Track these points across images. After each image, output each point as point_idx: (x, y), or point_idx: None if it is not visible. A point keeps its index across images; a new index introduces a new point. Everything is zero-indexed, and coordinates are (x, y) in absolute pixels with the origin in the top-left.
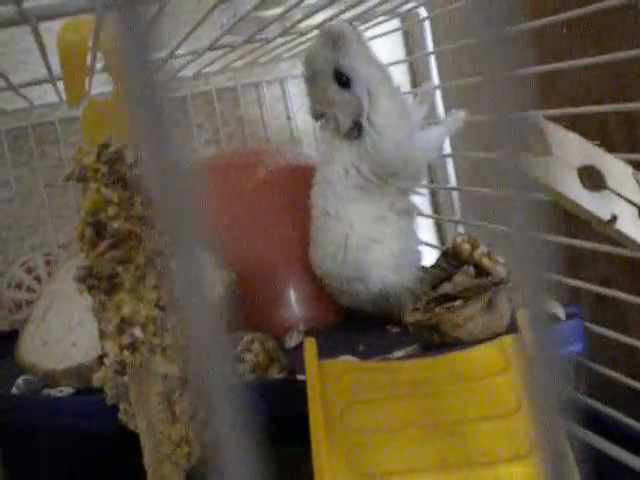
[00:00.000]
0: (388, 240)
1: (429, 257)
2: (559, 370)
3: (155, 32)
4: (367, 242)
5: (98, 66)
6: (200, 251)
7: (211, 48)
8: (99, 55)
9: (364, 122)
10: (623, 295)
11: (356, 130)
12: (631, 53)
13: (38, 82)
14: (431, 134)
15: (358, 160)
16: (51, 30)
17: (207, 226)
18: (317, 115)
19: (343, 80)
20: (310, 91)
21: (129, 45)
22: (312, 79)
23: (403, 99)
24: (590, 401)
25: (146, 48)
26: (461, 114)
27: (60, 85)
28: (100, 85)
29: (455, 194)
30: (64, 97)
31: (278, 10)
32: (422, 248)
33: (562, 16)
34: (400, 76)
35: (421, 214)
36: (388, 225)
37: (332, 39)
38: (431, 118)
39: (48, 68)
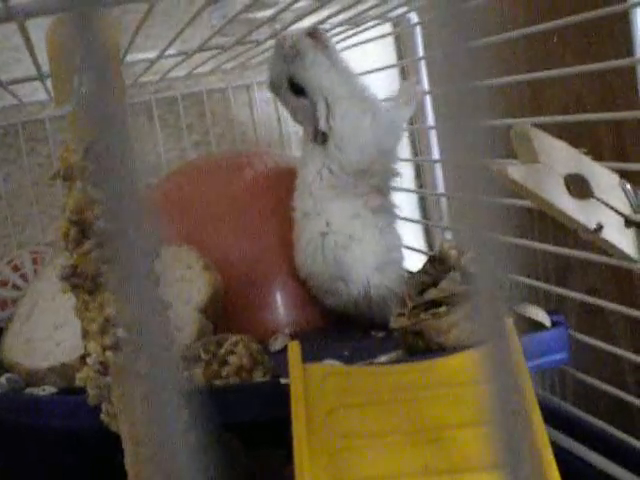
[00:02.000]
0: (367, 238)
1: (416, 262)
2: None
3: (109, 35)
4: (346, 240)
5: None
6: (150, 261)
7: (202, 49)
8: None
9: (323, 127)
10: (609, 304)
11: (321, 135)
12: (619, 62)
13: (27, 80)
14: (393, 117)
15: (328, 161)
16: (42, 27)
17: (157, 238)
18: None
19: (298, 89)
20: (279, 101)
21: (85, 47)
22: (275, 90)
23: (369, 100)
24: (575, 410)
25: (101, 51)
26: (417, 88)
27: (49, 83)
28: None
29: (443, 200)
30: (53, 97)
31: (269, 12)
32: (403, 249)
33: (552, 24)
34: (391, 81)
35: (409, 219)
36: (365, 223)
37: (284, 51)
38: (418, 123)
39: (37, 66)
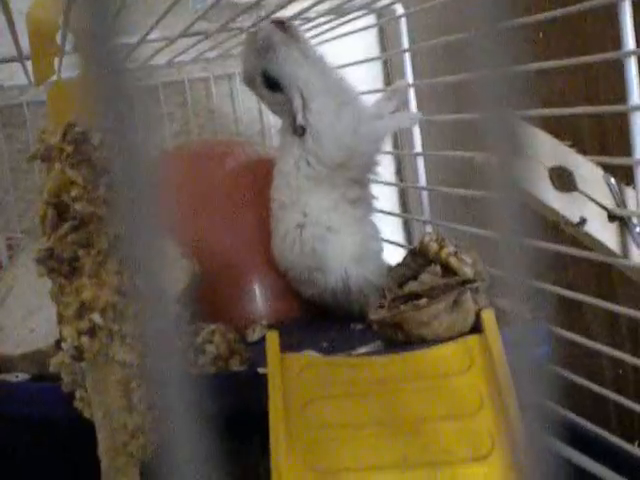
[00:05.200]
0: (345, 230)
1: (396, 256)
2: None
3: (123, 17)
4: (323, 231)
5: (68, 47)
6: (161, 239)
7: (184, 35)
8: (70, 35)
9: (301, 120)
10: (588, 299)
11: (300, 128)
12: (600, 56)
13: (5, 60)
14: (377, 126)
15: (305, 153)
16: (23, 12)
17: (169, 215)
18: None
19: (272, 83)
20: (255, 94)
21: (96, 29)
22: (249, 84)
23: (345, 92)
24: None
25: (114, 33)
26: (416, 115)
27: (29, 66)
28: (72, 67)
29: (424, 193)
30: (32, 78)
31: None
32: (382, 241)
33: (536, 17)
34: (374, 73)
35: (389, 213)
36: (343, 215)
37: (257, 45)
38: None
39: (17, 44)
